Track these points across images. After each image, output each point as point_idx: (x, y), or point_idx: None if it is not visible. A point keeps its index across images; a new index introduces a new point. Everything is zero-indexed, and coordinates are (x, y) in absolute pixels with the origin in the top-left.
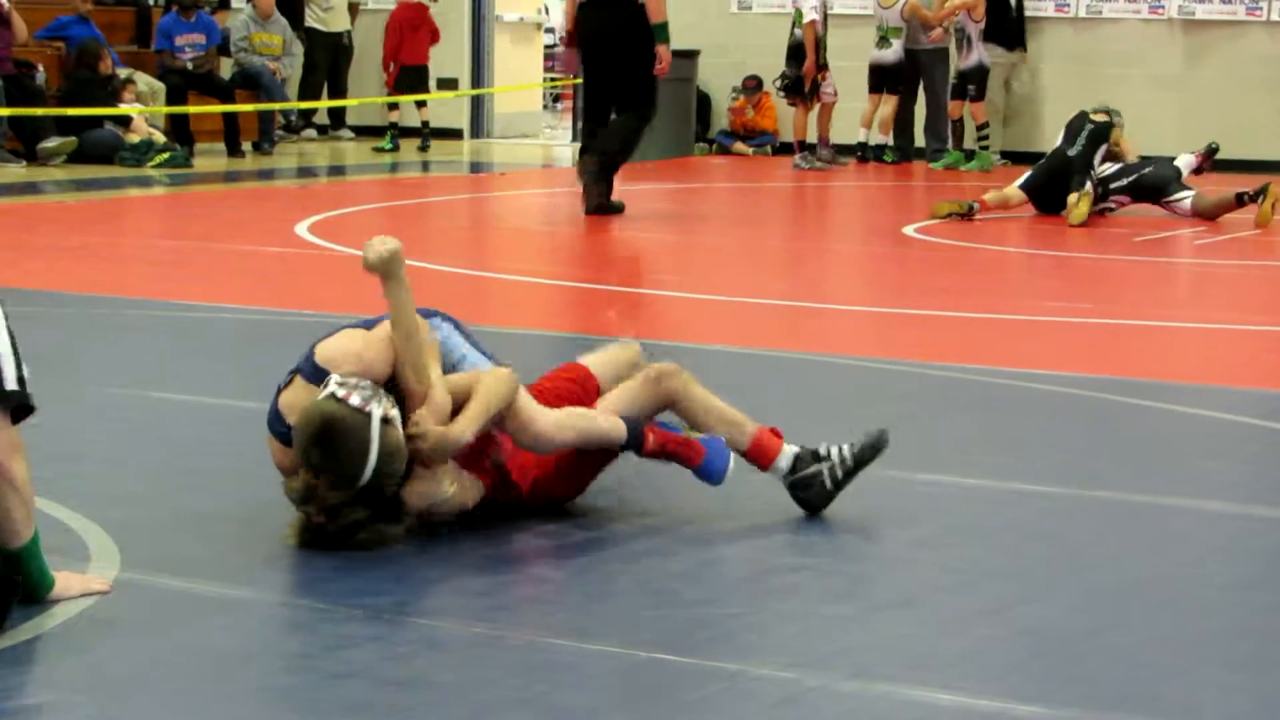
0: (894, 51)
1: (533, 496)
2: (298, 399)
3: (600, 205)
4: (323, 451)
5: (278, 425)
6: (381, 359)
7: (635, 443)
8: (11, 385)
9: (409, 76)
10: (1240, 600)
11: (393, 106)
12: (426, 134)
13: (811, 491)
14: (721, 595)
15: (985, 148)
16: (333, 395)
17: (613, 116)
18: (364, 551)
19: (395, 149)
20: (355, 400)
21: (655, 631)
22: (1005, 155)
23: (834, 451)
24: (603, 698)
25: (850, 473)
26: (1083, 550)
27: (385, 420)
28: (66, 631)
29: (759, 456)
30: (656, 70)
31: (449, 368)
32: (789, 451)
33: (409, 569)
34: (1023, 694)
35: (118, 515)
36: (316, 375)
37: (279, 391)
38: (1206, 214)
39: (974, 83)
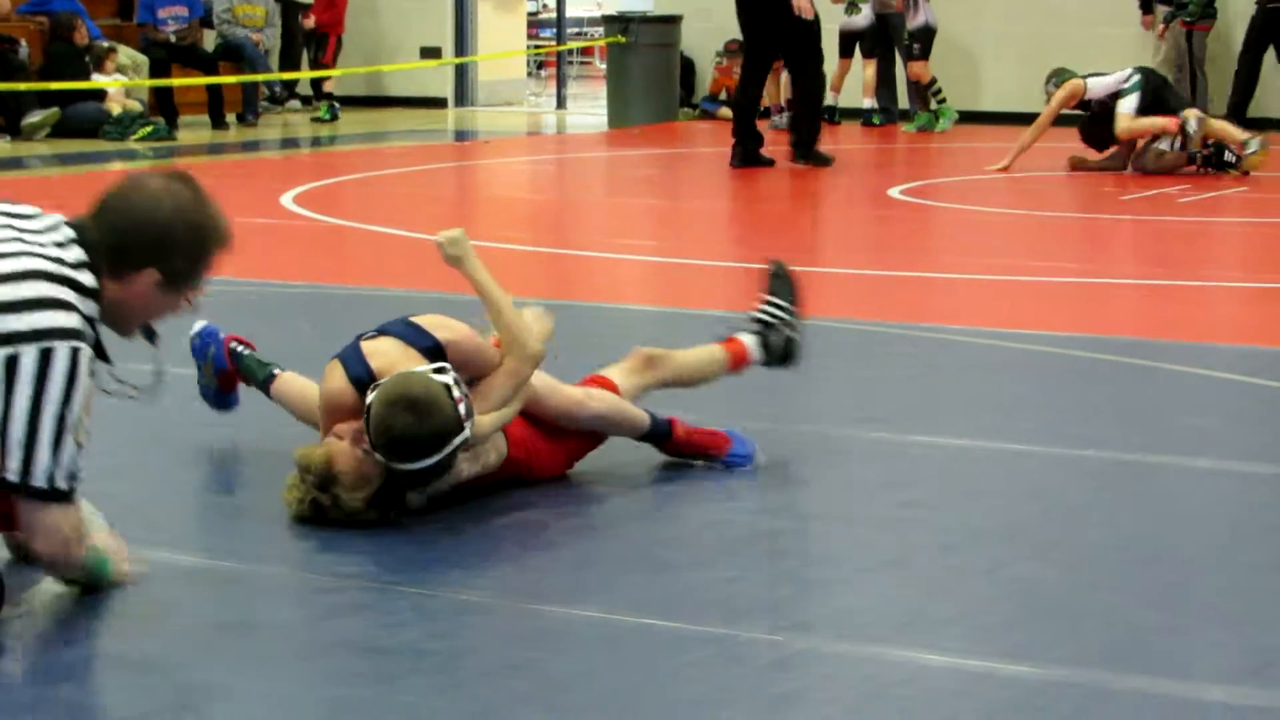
0: (864, 16)
1: (534, 474)
2: (392, 350)
3: (810, 155)
4: (409, 421)
5: (356, 364)
6: (480, 352)
7: (662, 431)
8: (61, 483)
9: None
10: (1230, 557)
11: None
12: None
13: (791, 357)
14: (709, 559)
15: (943, 102)
16: (444, 379)
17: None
18: (352, 525)
19: (334, 118)
20: (457, 393)
21: (642, 596)
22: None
23: (767, 312)
24: (591, 663)
25: (792, 314)
26: (1074, 509)
27: (469, 424)
28: (50, 607)
29: (740, 365)
30: (798, 11)
31: None
32: (750, 341)
33: (396, 540)
34: (1013, 653)
35: (103, 488)
36: (420, 338)
37: (360, 338)
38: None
39: (919, 41)
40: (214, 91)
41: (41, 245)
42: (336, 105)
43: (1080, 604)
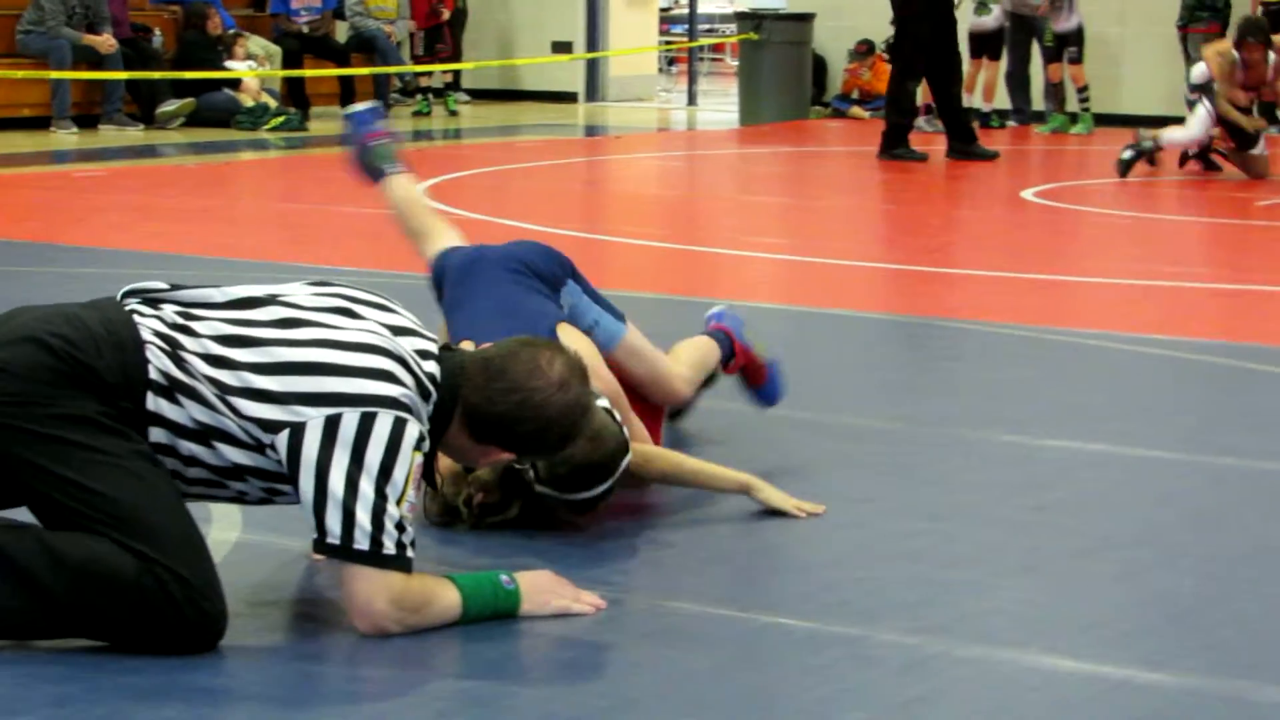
0: (994, 18)
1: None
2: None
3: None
4: (587, 450)
5: None
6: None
7: (728, 355)
8: (388, 547)
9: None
10: None
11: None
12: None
13: None
14: (843, 559)
15: (1087, 110)
16: (604, 404)
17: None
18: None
19: (429, 113)
20: (618, 415)
21: (777, 596)
22: None
23: None
24: (725, 662)
25: None
26: (1210, 516)
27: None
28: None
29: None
30: None
31: (583, 331)
32: None
33: (521, 536)
34: (1149, 661)
35: None
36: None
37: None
38: None
39: (1074, 44)
40: (345, 82)
41: (396, 340)
42: (431, 99)
43: (1216, 612)
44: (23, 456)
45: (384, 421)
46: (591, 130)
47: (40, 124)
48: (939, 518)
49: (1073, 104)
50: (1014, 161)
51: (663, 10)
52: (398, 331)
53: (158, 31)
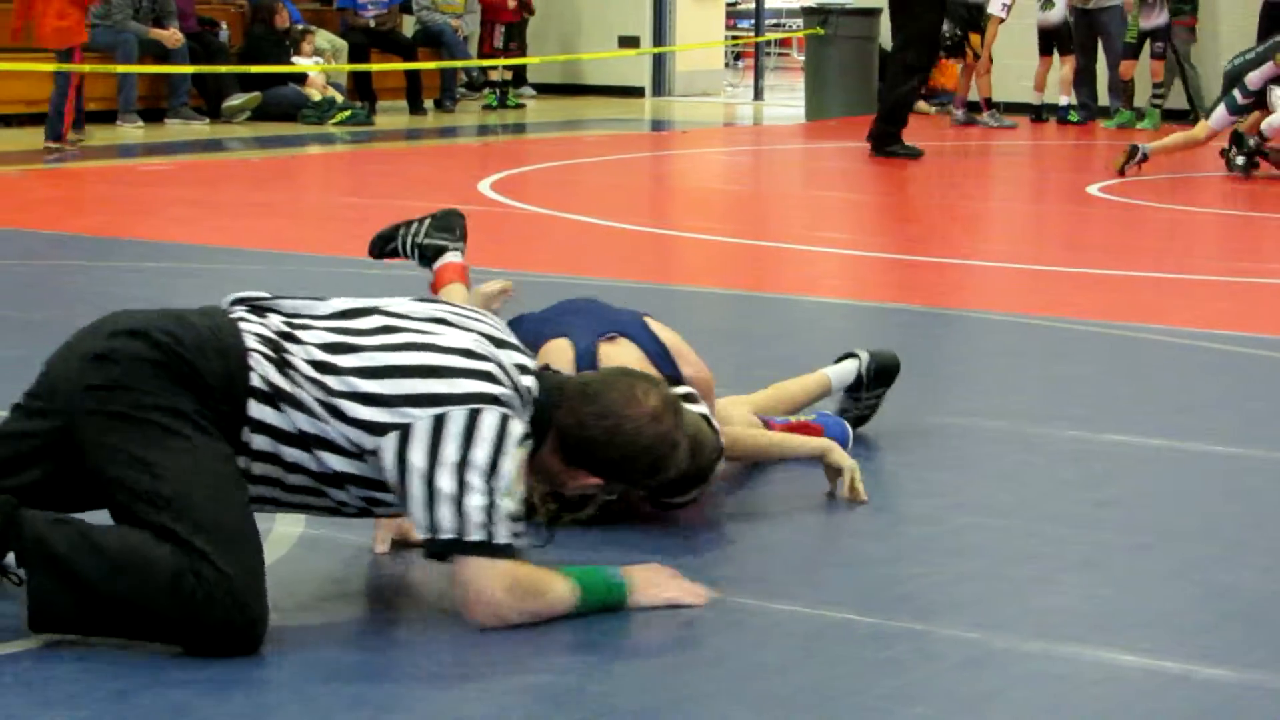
0: (1057, 13)
1: None
2: (632, 363)
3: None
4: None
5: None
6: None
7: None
8: (501, 537)
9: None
10: None
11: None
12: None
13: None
14: (906, 555)
15: (1158, 106)
16: (701, 409)
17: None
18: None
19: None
20: (715, 423)
21: (841, 591)
22: None
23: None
24: (789, 657)
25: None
26: (1272, 512)
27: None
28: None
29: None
30: None
31: None
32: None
33: (596, 533)
34: (1211, 656)
35: None
36: (658, 350)
37: (600, 336)
38: None
39: (1160, 40)
40: (412, 77)
41: (495, 350)
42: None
43: (1277, 608)
44: (105, 441)
45: (489, 418)
46: (657, 125)
47: (106, 118)
48: (1001, 513)
49: (1140, 99)
50: (1081, 157)
51: (729, 5)
52: (497, 344)
53: (224, 26)
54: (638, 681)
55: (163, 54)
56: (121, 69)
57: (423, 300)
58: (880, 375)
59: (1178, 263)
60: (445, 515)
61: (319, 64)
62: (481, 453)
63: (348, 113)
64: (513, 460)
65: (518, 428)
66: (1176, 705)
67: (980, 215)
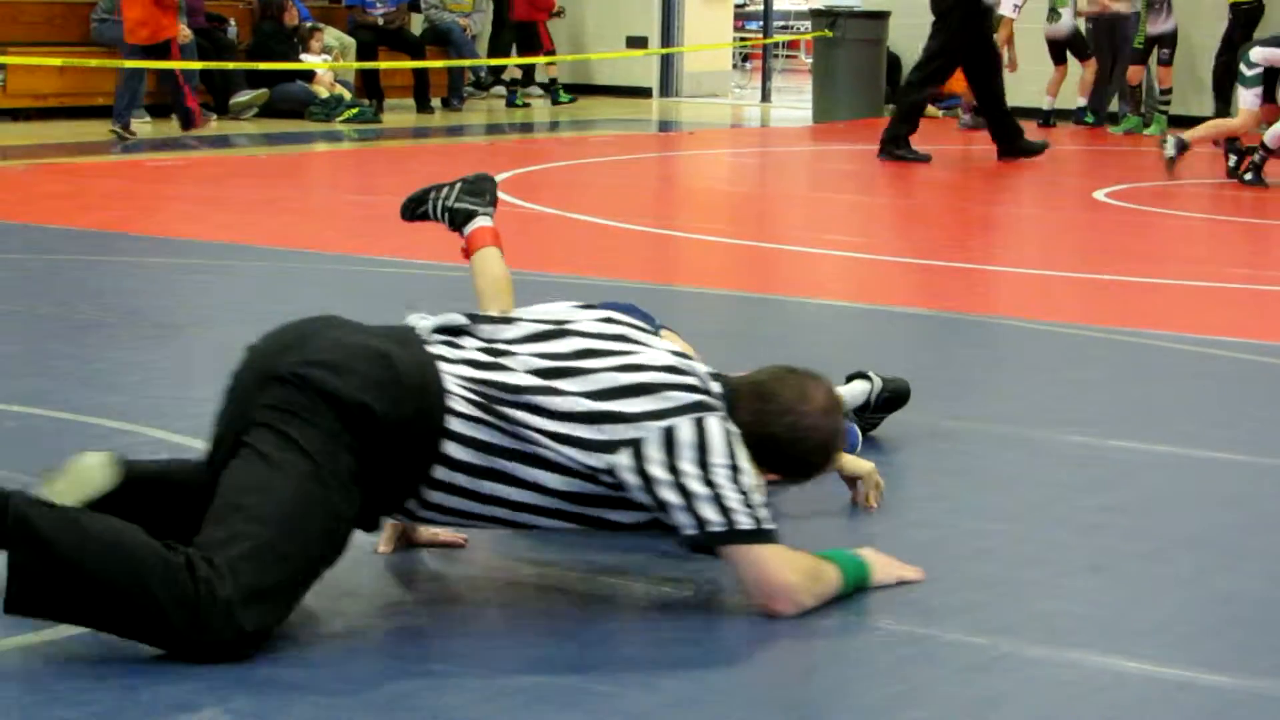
0: (1065, 24)
1: None
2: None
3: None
4: None
5: None
6: None
7: None
8: (767, 522)
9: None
10: None
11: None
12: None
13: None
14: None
15: (1165, 112)
16: None
17: None
18: None
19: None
20: None
21: (844, 594)
22: None
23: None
24: (793, 659)
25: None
26: (1274, 520)
27: None
28: None
29: None
30: None
31: None
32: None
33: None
34: (1214, 663)
35: None
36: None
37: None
38: None
39: (1167, 46)
40: (420, 76)
41: (691, 365)
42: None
43: None
44: (243, 450)
45: (712, 423)
46: (665, 126)
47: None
48: (1006, 518)
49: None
50: (1088, 162)
51: (738, 6)
52: (680, 355)
53: (233, 22)
54: (637, 682)
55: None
56: (129, 64)
57: (601, 319)
58: (889, 403)
59: (1185, 269)
60: (709, 511)
61: (327, 61)
62: (718, 456)
63: (355, 110)
64: (744, 455)
65: (733, 427)
66: (1180, 712)
67: (988, 220)
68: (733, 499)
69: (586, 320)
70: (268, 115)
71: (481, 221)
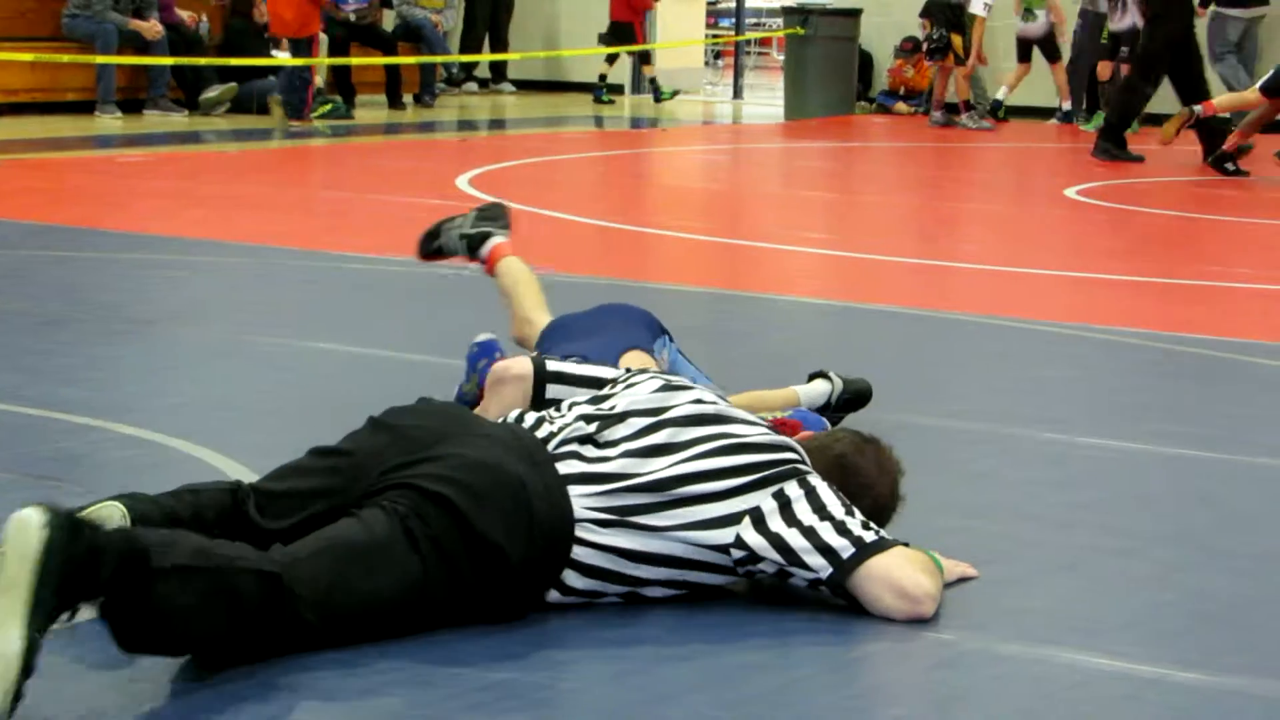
0: (1039, 25)
1: None
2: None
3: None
4: None
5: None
6: None
7: None
8: (868, 535)
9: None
10: None
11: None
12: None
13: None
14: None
15: None
16: None
17: None
18: None
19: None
20: None
21: (812, 591)
22: None
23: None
24: (764, 656)
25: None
26: (1248, 517)
27: None
28: None
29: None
30: None
31: None
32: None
33: None
34: (1185, 660)
35: (278, 465)
36: None
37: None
38: None
39: (1128, 44)
40: (392, 72)
41: (785, 441)
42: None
43: (1252, 612)
44: (369, 506)
45: (815, 480)
46: (636, 123)
47: (85, 108)
48: (977, 515)
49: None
50: (1059, 159)
51: (710, 4)
52: (772, 430)
53: (204, 18)
54: (610, 678)
55: (142, 45)
56: (100, 60)
57: (693, 401)
58: (850, 404)
59: (1155, 266)
60: (834, 539)
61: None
62: (830, 502)
63: (328, 106)
64: (846, 499)
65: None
66: (1151, 709)
67: (959, 217)
68: (851, 522)
69: (683, 405)
70: (239, 111)
71: (497, 239)
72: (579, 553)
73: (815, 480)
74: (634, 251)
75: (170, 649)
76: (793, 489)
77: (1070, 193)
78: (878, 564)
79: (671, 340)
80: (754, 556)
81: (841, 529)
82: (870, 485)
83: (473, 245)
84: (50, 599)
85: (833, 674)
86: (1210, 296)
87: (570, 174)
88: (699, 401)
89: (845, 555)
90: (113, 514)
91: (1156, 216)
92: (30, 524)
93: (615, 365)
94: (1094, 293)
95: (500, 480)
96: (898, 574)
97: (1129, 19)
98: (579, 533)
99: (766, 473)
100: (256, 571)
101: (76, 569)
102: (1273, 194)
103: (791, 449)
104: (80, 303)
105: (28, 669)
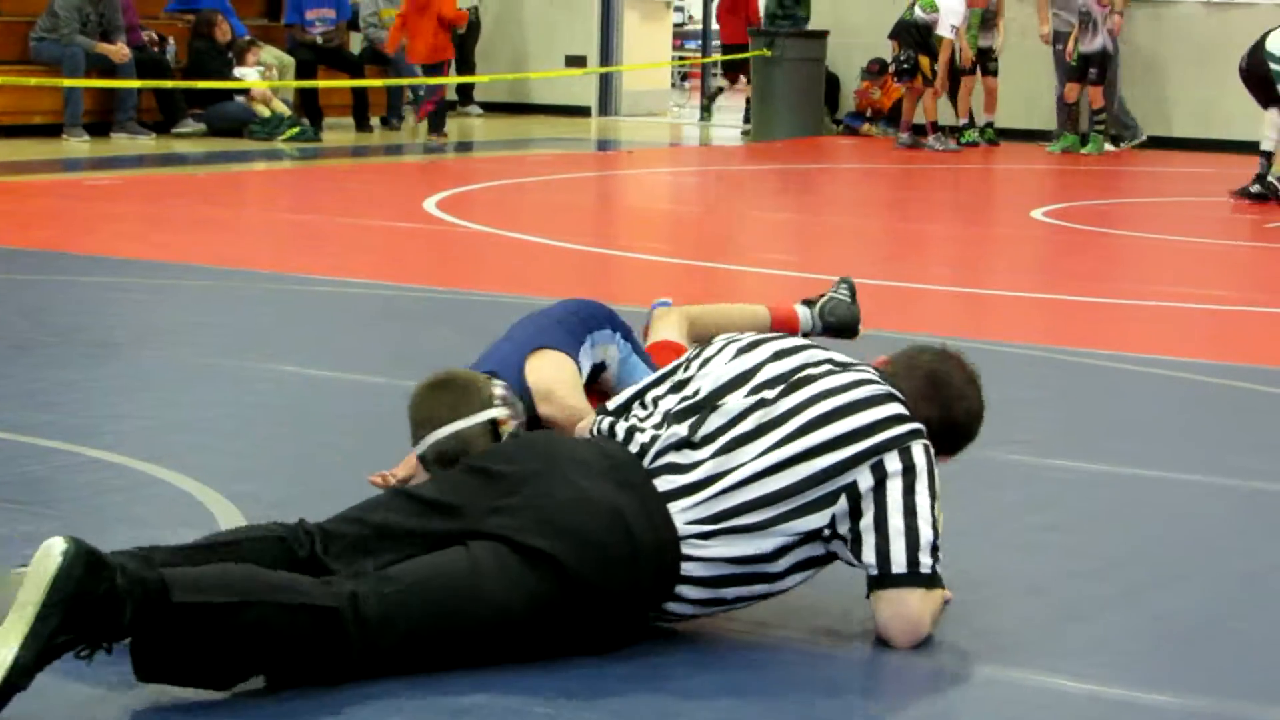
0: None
1: None
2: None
3: None
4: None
5: None
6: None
7: None
8: (924, 566)
9: None
10: None
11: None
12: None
13: (837, 316)
14: (849, 578)
15: (1100, 131)
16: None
17: None
18: None
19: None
20: (499, 390)
21: (784, 613)
22: None
23: (827, 294)
24: (737, 677)
25: (852, 290)
26: (1214, 538)
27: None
28: None
29: (786, 327)
30: None
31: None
32: (803, 311)
33: None
34: (1152, 682)
35: (244, 489)
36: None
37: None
38: None
39: (1096, 65)
40: (359, 95)
41: (883, 383)
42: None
43: (1219, 633)
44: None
45: (918, 451)
46: (603, 145)
47: (52, 131)
48: (944, 536)
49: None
50: (1026, 181)
51: (676, 25)
52: (865, 372)
53: (171, 41)
54: (584, 699)
55: (109, 69)
56: (68, 83)
57: (776, 353)
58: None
59: (1122, 288)
60: (898, 550)
61: (261, 73)
62: (922, 487)
63: (295, 129)
64: (938, 481)
65: (931, 449)
66: None
67: (926, 239)
68: (925, 540)
69: (767, 366)
70: (207, 134)
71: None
72: (689, 568)
73: (916, 451)
74: (600, 273)
75: (198, 681)
76: (892, 461)
77: (1037, 214)
78: (915, 598)
79: (628, 337)
80: (836, 527)
81: (913, 540)
82: (962, 395)
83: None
84: (56, 624)
85: (804, 696)
86: (1176, 318)
87: (537, 196)
88: (779, 355)
89: (895, 570)
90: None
91: (1123, 238)
92: (51, 551)
93: (520, 370)
94: (1060, 314)
95: (595, 514)
96: (925, 618)
97: (1099, 41)
98: (686, 550)
99: (868, 443)
100: (309, 607)
101: (92, 603)
102: (1240, 216)
103: (892, 400)
104: (47, 326)
105: (11, 683)
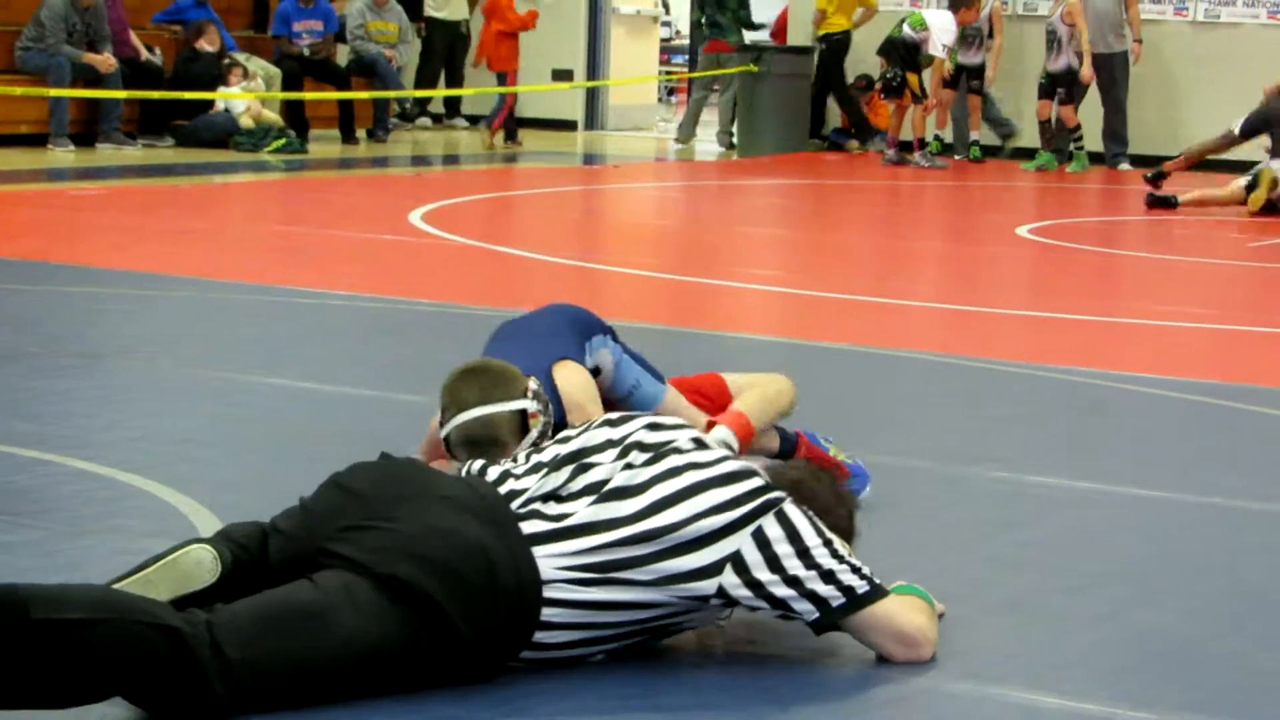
0: (975, 55)
1: None
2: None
3: None
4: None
5: None
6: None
7: (790, 448)
8: (863, 583)
9: None
10: None
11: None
12: None
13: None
14: None
15: (1080, 149)
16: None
17: None
18: None
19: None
20: (533, 385)
21: (764, 628)
22: None
23: None
24: (706, 697)
25: None
26: (1195, 555)
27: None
28: None
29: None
30: None
31: (624, 394)
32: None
33: None
34: (1134, 698)
35: (229, 499)
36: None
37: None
38: None
39: (1063, 85)
40: (345, 106)
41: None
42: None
43: (1201, 651)
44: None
45: (790, 510)
46: (589, 159)
47: (38, 141)
48: (926, 553)
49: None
50: (1010, 198)
51: (663, 40)
52: (732, 456)
53: (158, 51)
54: (548, 707)
55: (95, 79)
56: (54, 93)
57: (646, 426)
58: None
59: (1107, 305)
60: (824, 590)
61: (245, 88)
62: (808, 535)
63: (281, 140)
64: (825, 529)
65: (804, 507)
66: None
67: (911, 255)
68: (839, 568)
69: (637, 432)
70: (193, 144)
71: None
72: (550, 613)
73: (791, 510)
74: (585, 288)
75: (52, 702)
76: (771, 527)
77: (1022, 231)
78: (876, 613)
79: (615, 339)
80: (736, 603)
81: (829, 577)
82: (828, 512)
83: None
84: None
85: (786, 712)
86: (1159, 335)
87: (523, 210)
88: (653, 427)
89: (835, 604)
90: (202, 558)
91: (1107, 255)
92: None
93: (549, 380)
94: (1044, 331)
95: (458, 546)
96: (900, 621)
97: (1064, 59)
98: (549, 593)
99: (742, 510)
100: (158, 626)
101: None
102: (1220, 233)
103: (755, 473)
104: (31, 336)
105: None
